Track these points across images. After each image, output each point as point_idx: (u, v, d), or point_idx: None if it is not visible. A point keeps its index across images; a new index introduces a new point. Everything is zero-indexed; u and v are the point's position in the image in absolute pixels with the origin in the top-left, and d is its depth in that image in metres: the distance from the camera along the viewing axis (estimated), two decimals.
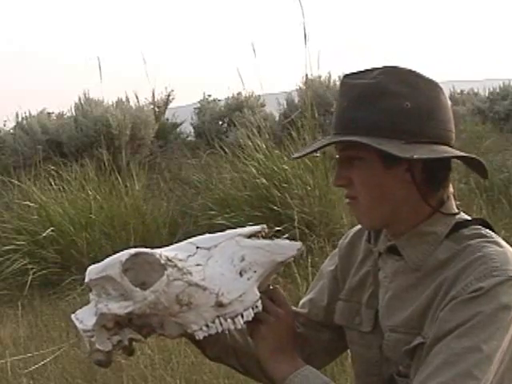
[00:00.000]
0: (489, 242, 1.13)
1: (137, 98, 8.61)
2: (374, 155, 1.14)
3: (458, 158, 1.17)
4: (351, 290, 1.32)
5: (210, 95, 9.61)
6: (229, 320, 1.14)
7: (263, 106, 9.21)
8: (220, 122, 9.19)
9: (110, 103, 8.26)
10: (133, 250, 1.12)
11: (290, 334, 1.26)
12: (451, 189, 1.22)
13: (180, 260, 1.13)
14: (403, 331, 1.16)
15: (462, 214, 1.21)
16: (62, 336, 3.88)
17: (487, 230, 1.17)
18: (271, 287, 1.27)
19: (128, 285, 1.08)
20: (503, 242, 1.15)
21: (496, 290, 1.06)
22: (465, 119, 9.88)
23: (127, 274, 1.09)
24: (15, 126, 8.45)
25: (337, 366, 2.91)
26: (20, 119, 8.52)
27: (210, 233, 1.25)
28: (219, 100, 9.49)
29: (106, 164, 6.17)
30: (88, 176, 6.02)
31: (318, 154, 4.93)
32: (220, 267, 1.16)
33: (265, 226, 1.27)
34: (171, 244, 1.21)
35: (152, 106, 8.89)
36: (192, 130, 9.43)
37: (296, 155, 1.27)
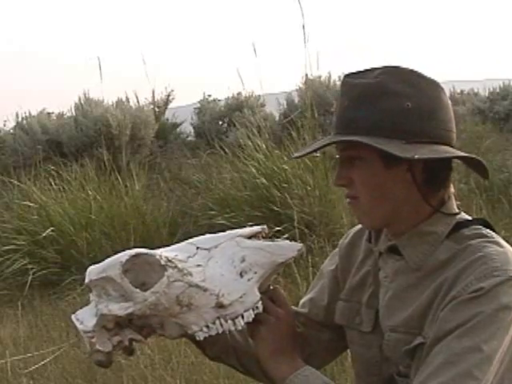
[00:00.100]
0: (489, 242, 1.13)
1: (137, 98, 8.62)
2: (374, 155, 1.14)
3: (458, 158, 1.17)
4: (351, 290, 1.32)
5: (210, 95, 9.62)
6: (229, 321, 1.14)
7: (263, 106, 9.22)
8: (220, 122, 9.19)
9: (110, 103, 8.27)
10: (133, 251, 1.12)
11: (291, 335, 1.26)
12: (452, 189, 1.22)
13: (180, 261, 1.13)
14: (403, 331, 1.16)
15: (463, 213, 1.21)
16: (62, 336, 3.88)
17: (488, 230, 1.17)
18: (271, 287, 1.27)
19: (128, 286, 1.08)
20: (504, 242, 1.15)
21: (496, 290, 1.06)
22: (465, 119, 9.88)
23: (127, 275, 1.09)
24: (15, 126, 8.46)
25: (337, 365, 2.92)
26: (20, 119, 8.53)
27: (210, 233, 1.25)
28: (219, 100, 9.50)
29: (106, 164, 6.18)
30: (88, 176, 6.02)
31: (318, 154, 4.93)
32: (220, 268, 1.16)
33: (265, 226, 1.27)
34: (171, 244, 1.21)
35: (152, 106, 8.90)
36: (192, 130, 9.43)
37: (296, 155, 1.27)
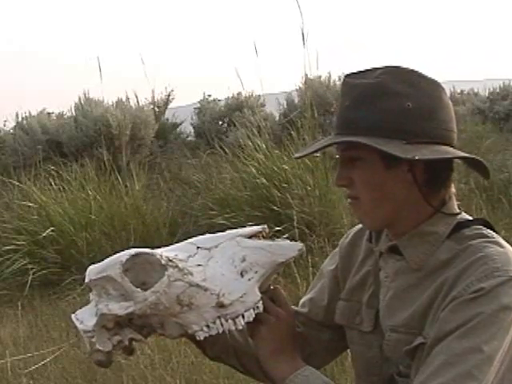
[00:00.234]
0: (490, 242, 1.13)
1: (137, 98, 8.63)
2: (375, 155, 1.13)
3: (459, 158, 1.16)
4: (352, 290, 1.32)
5: (210, 95, 9.64)
6: (230, 321, 1.14)
7: (263, 105, 9.23)
8: (220, 122, 9.20)
9: (110, 103, 8.28)
10: (133, 251, 1.12)
11: (291, 335, 1.26)
12: (453, 189, 1.22)
13: (181, 260, 1.13)
14: (404, 331, 1.16)
15: (464, 214, 1.21)
16: (62, 336, 3.88)
17: (488, 230, 1.17)
18: (272, 287, 1.27)
19: (128, 285, 1.08)
20: (504, 243, 1.15)
21: (497, 291, 1.06)
22: (465, 119, 9.89)
23: (127, 275, 1.09)
24: (15, 126, 8.47)
25: (337, 365, 2.91)
26: (20, 119, 8.54)
27: (210, 233, 1.25)
28: (219, 100, 9.51)
29: (106, 164, 6.18)
30: (88, 176, 6.02)
31: (318, 154, 4.93)
32: (221, 268, 1.16)
33: (265, 226, 1.27)
34: (171, 244, 1.21)
35: (152, 106, 8.91)
36: (192, 130, 9.44)
37: (297, 155, 1.26)
